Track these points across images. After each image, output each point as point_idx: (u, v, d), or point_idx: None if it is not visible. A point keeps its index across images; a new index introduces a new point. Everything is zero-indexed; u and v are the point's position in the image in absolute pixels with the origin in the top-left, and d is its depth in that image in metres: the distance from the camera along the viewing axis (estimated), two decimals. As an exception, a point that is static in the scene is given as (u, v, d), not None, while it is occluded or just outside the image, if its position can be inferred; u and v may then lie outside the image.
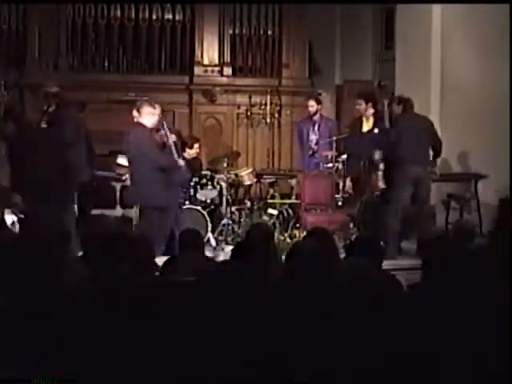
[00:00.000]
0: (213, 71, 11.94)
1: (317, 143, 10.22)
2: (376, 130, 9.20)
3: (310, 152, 10.31)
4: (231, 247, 5.88)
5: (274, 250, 5.66)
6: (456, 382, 3.49)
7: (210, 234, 9.09)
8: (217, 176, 9.74)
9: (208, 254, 7.31)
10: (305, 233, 7.89)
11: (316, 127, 10.24)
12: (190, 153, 9.92)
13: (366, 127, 9.41)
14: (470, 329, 3.70)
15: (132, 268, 4.30)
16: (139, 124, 8.14)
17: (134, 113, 8.18)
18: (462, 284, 4.15)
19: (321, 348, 3.54)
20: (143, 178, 8.03)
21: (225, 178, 9.68)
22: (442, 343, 3.59)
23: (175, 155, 8.13)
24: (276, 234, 8.25)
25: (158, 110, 8.21)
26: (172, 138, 8.17)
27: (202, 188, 9.56)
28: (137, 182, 8.18)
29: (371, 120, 9.35)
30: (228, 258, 5.37)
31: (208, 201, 9.56)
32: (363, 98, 9.38)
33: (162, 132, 8.12)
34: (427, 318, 3.74)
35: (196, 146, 10.06)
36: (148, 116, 8.14)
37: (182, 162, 8.24)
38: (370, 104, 9.32)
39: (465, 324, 3.73)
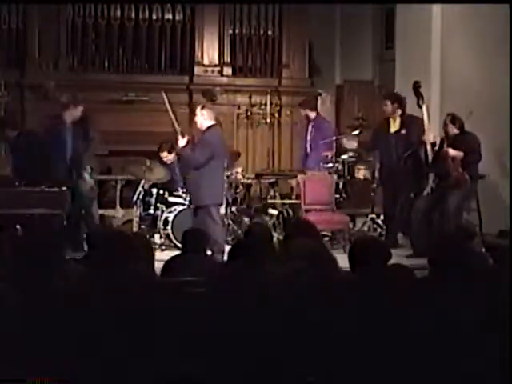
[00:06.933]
0: (213, 71, 11.92)
1: (310, 144, 10.20)
2: (403, 131, 9.08)
3: (304, 152, 10.31)
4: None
5: (273, 249, 5.65)
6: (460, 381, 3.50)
7: (210, 234, 9.07)
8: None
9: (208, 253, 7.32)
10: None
11: (310, 128, 10.24)
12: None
13: (393, 128, 9.22)
14: (475, 327, 3.70)
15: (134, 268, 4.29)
16: None
17: None
18: (466, 283, 4.15)
19: (322, 348, 3.54)
20: None
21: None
22: (449, 341, 3.60)
23: None
24: (276, 234, 8.25)
25: None
26: None
27: (202, 188, 9.53)
28: None
29: (398, 121, 9.18)
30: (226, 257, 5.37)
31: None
32: (389, 99, 9.26)
33: None
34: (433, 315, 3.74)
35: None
36: None
37: None
38: (396, 105, 9.16)
39: (469, 322, 3.73)
